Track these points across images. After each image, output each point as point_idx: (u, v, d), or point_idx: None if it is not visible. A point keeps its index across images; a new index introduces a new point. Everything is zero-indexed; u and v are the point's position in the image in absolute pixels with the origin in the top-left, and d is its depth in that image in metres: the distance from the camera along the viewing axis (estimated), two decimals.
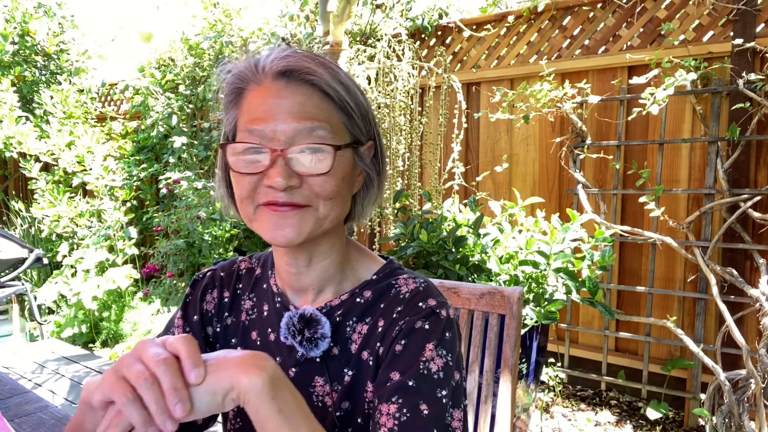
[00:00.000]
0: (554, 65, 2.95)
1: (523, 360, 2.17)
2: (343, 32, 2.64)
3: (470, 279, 2.18)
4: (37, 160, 4.79)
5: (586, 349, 3.01)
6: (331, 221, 0.71)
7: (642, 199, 2.53)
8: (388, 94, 2.96)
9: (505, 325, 1.16)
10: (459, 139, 2.95)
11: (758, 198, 2.39)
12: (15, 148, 4.68)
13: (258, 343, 0.82)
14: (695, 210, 2.62)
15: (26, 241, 4.82)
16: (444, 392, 0.67)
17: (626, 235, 2.71)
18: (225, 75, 0.73)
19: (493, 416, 1.18)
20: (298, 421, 0.56)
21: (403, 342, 0.70)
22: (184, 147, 4.23)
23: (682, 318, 2.76)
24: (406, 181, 3.07)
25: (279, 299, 0.80)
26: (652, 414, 2.58)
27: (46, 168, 5.01)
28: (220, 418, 0.86)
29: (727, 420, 2.28)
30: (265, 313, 0.82)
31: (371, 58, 3.09)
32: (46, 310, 4.54)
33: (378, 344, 0.73)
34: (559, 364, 3.04)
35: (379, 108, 2.95)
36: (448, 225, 2.41)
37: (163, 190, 4.14)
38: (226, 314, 0.85)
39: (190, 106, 4.44)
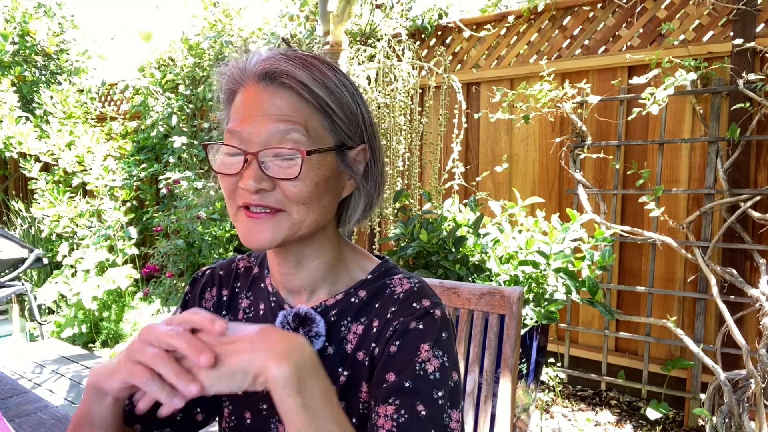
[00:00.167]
0: (554, 65, 2.95)
1: (523, 360, 2.17)
2: (343, 32, 2.63)
3: (470, 279, 2.18)
4: (37, 160, 4.79)
5: (586, 349, 3.01)
6: (308, 226, 0.70)
7: (642, 199, 2.53)
8: (388, 94, 2.95)
9: (505, 325, 1.17)
10: (459, 139, 2.95)
11: (758, 198, 2.39)
12: (15, 148, 4.69)
13: None
14: (695, 210, 2.62)
15: (26, 241, 4.81)
16: (441, 393, 0.67)
17: (626, 235, 2.70)
18: (220, 76, 0.74)
19: (493, 416, 1.18)
20: (322, 417, 0.57)
21: (397, 343, 0.70)
22: (184, 147, 4.24)
23: (682, 318, 2.76)
24: (406, 181, 3.07)
25: (274, 299, 0.80)
26: (652, 414, 2.58)
27: (46, 168, 5.01)
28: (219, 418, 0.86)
29: (727, 420, 2.28)
30: (261, 312, 0.82)
31: (371, 58, 3.08)
32: (46, 310, 4.54)
33: (373, 345, 0.73)
34: (559, 364, 3.03)
35: (379, 108, 2.95)
36: (448, 225, 2.41)
37: (163, 190, 4.14)
38: (224, 312, 0.85)
39: (190, 106, 4.44)
